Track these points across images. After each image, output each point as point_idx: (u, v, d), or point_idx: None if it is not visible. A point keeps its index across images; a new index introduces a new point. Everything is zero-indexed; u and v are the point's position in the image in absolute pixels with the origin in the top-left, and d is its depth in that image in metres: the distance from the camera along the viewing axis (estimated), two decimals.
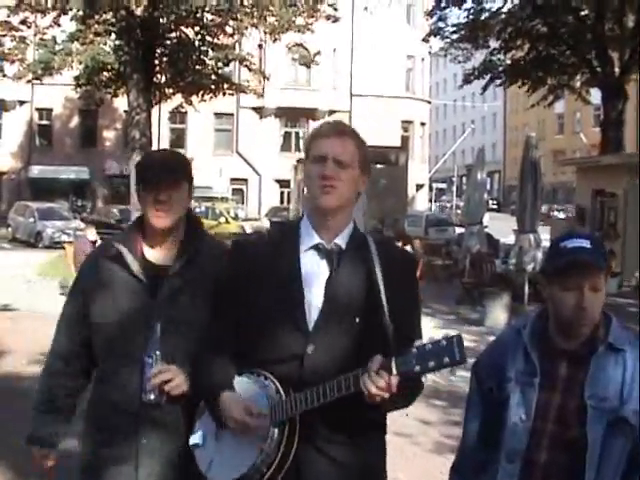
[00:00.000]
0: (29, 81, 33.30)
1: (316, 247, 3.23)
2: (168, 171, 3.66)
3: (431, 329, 13.82)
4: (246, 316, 3.23)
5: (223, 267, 3.55)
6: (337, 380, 2.96)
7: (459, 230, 34.27)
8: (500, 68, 34.54)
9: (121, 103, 37.20)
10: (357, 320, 3.14)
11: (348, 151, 3.22)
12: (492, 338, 12.14)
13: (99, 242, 22.04)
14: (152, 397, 3.54)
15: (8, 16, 28.97)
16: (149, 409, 3.58)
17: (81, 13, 27.49)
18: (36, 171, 57.21)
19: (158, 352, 3.53)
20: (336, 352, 3.11)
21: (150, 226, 3.71)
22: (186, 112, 43.27)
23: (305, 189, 3.35)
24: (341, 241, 3.24)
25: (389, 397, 2.89)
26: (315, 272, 3.21)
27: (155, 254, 3.76)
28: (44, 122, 59.14)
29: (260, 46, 43.21)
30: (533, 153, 21.05)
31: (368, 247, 3.25)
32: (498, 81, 35.59)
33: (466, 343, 2.86)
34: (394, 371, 2.85)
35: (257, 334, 3.20)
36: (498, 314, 17.58)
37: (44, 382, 3.91)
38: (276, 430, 3.08)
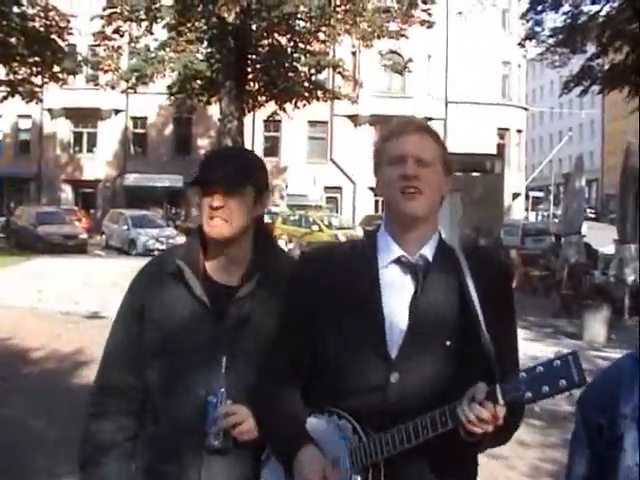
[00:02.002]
0: (123, 91, 33.55)
1: (398, 261, 2.82)
2: (228, 171, 3.12)
3: (527, 342, 13.32)
4: (315, 342, 2.82)
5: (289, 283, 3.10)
6: (430, 416, 2.56)
7: (555, 240, 33.44)
8: (599, 74, 33.76)
9: (215, 111, 37.37)
10: (448, 343, 2.72)
11: (429, 148, 2.84)
12: (592, 353, 11.63)
13: None
14: (216, 443, 3.01)
15: (103, 27, 29.22)
16: (212, 457, 3.05)
17: (173, 21, 27.57)
18: (131, 179, 57.85)
19: (223, 389, 3.02)
20: (425, 380, 2.68)
21: (208, 237, 3.19)
22: (280, 120, 43.37)
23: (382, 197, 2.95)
24: (427, 252, 2.83)
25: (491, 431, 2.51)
26: (397, 289, 2.79)
27: (218, 272, 3.22)
28: (139, 130, 59.86)
29: (353, 53, 43.04)
30: (634, 160, 20.36)
31: (457, 259, 2.83)
32: (597, 87, 34.85)
33: None
34: (500, 400, 2.46)
35: (329, 362, 2.79)
36: (597, 328, 16.93)
37: (96, 428, 3.26)
38: (358, 478, 2.67)
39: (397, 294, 2.78)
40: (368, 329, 2.74)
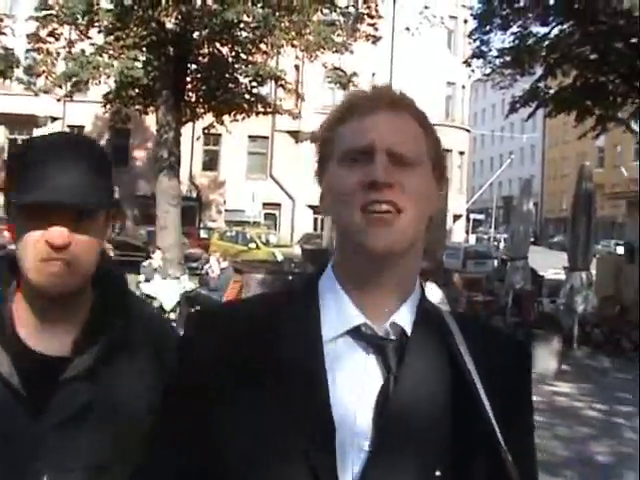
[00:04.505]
0: (59, 99, 32.48)
1: (356, 332, 1.68)
2: (78, 185, 1.91)
3: None
4: (218, 465, 1.65)
5: (171, 367, 1.86)
6: None
7: (500, 264, 32.99)
8: (546, 96, 33.39)
9: (153, 121, 36.36)
10: (438, 473, 1.59)
11: (412, 136, 1.71)
12: (545, 388, 10.78)
13: None
14: None
15: (37, 29, 28.10)
16: None
17: (110, 26, 26.57)
18: None
19: None
20: None
21: (32, 288, 2.00)
22: (220, 134, 42.58)
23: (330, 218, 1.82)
24: (403, 319, 1.70)
25: None
26: (354, 381, 1.65)
27: (38, 336, 2.01)
28: None
29: (297, 68, 42.40)
30: (587, 184, 19.70)
31: (449, 330, 1.73)
32: (543, 110, 34.48)
33: None
34: None
35: None
36: (548, 360, 16.13)
37: None
38: None
39: (354, 388, 1.65)
40: (305, 445, 1.60)
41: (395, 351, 1.67)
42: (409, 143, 1.68)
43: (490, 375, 1.68)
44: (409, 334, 1.69)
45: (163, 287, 19.96)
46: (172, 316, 20.00)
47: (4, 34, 35.52)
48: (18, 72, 32.43)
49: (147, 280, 20.12)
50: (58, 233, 1.91)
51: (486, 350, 1.72)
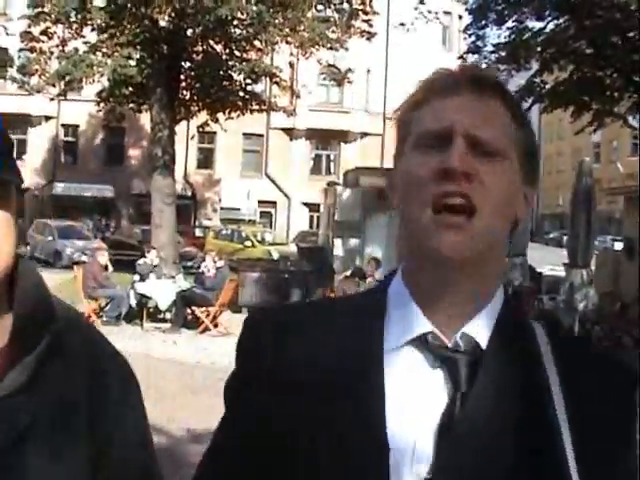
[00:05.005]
0: (53, 98, 32.30)
1: (422, 341, 1.47)
2: None
3: None
4: None
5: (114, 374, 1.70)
6: None
7: None
8: (542, 91, 33.18)
9: (148, 120, 36.31)
10: None
11: (497, 123, 1.48)
12: None
13: (110, 267, 20.74)
14: None
15: (29, 26, 27.93)
16: None
17: (103, 24, 26.40)
18: (60, 188, 56.26)
19: None
20: None
21: None
22: (215, 132, 42.42)
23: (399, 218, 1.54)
24: (477, 331, 1.48)
25: None
26: (417, 397, 1.44)
27: None
28: (70, 139, 58.34)
29: (291, 65, 42.21)
30: (587, 180, 19.45)
31: (536, 346, 1.50)
32: (539, 106, 34.28)
33: None
34: None
35: None
36: None
37: None
38: None
39: (414, 405, 1.45)
40: (358, 471, 1.40)
41: (467, 366, 1.46)
42: (494, 130, 1.47)
43: (583, 407, 1.45)
44: (484, 347, 1.48)
45: (158, 286, 19.79)
46: (168, 315, 19.88)
47: None
48: (12, 71, 32.29)
49: (142, 279, 19.95)
50: None
51: (583, 376, 1.49)
